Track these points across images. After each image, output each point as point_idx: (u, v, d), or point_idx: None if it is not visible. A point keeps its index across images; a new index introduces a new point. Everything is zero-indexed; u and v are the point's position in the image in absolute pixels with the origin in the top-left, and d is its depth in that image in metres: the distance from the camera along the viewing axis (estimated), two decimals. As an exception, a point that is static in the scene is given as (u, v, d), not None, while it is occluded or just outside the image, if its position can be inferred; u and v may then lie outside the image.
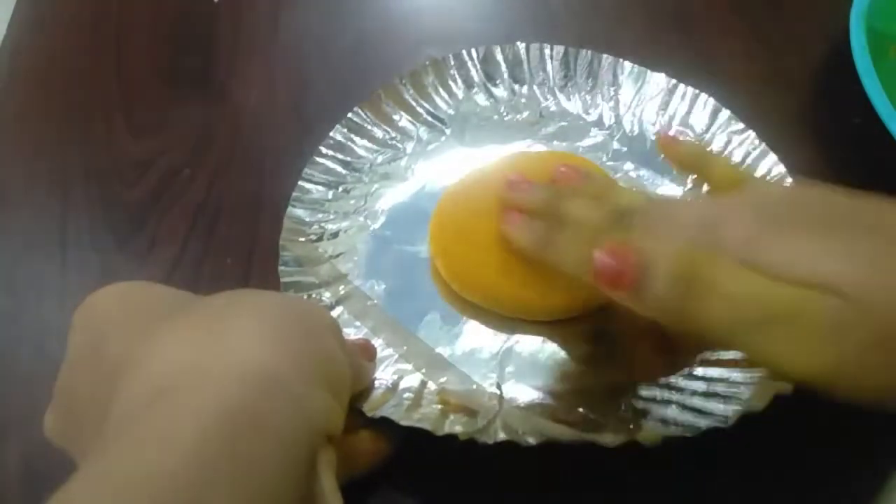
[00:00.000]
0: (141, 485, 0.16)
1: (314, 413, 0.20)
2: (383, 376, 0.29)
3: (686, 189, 0.35)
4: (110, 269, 0.34)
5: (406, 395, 0.29)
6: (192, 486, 0.16)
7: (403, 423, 0.27)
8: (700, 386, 0.29)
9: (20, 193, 0.37)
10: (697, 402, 0.28)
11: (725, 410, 0.27)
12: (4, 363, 0.32)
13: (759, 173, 0.34)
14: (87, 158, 0.38)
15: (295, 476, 0.19)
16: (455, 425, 0.27)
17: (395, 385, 0.29)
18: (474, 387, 0.29)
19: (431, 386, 0.29)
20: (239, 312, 0.21)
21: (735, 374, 0.29)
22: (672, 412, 0.28)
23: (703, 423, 0.27)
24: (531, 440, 0.26)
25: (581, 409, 0.28)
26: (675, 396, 0.28)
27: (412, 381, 0.29)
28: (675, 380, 0.29)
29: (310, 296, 0.31)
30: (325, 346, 0.22)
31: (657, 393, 0.29)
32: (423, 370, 0.30)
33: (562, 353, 0.30)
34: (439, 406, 0.28)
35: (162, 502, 0.16)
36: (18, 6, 0.46)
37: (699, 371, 0.29)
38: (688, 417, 0.27)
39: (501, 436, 0.27)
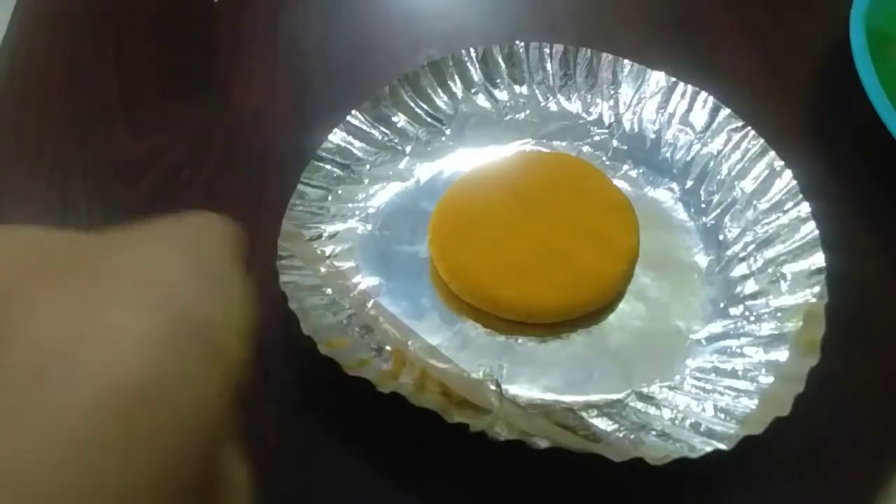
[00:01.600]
0: (11, 477, 0.13)
1: (229, 365, 0.17)
2: (385, 367, 0.29)
3: (687, 187, 0.35)
4: (110, 269, 0.34)
5: (406, 380, 0.28)
6: (73, 476, 0.14)
7: (413, 402, 0.27)
8: (697, 398, 0.29)
9: (20, 193, 0.37)
10: (696, 414, 0.28)
11: (726, 427, 0.27)
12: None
13: (758, 171, 0.34)
14: (87, 158, 0.38)
15: (203, 445, 0.16)
16: (460, 418, 0.27)
17: (395, 375, 0.29)
18: (474, 381, 0.29)
19: (432, 377, 0.29)
20: (135, 256, 0.17)
21: (734, 382, 0.29)
22: (668, 425, 0.28)
23: (705, 441, 0.26)
24: (542, 443, 0.26)
25: (580, 414, 0.28)
26: (671, 413, 0.28)
27: (413, 372, 0.29)
28: (672, 392, 0.29)
29: (309, 295, 0.31)
30: (232, 280, 0.19)
31: (657, 399, 0.29)
32: (424, 363, 0.30)
33: (560, 355, 0.30)
34: (440, 394, 0.28)
35: (36, 496, 0.13)
36: (18, 6, 0.46)
37: (696, 381, 0.29)
38: (687, 432, 0.27)
39: (509, 434, 0.26)
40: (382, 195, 0.36)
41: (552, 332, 0.31)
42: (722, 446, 0.26)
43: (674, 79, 0.38)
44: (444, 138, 0.38)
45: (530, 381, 0.29)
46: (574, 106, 0.39)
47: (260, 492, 0.28)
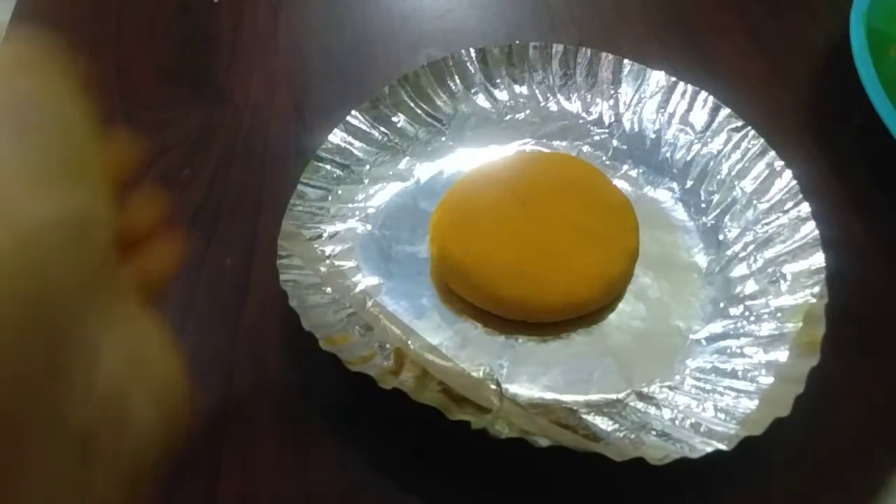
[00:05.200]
0: None
1: (67, 228, 0.14)
2: (386, 364, 0.29)
3: (687, 186, 0.35)
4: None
5: (407, 378, 0.28)
6: None
7: (414, 398, 0.27)
8: (696, 398, 0.29)
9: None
10: (696, 414, 0.28)
11: (726, 427, 0.27)
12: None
13: (758, 171, 0.34)
14: (87, 158, 0.38)
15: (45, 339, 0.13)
16: (462, 416, 0.27)
17: (396, 373, 0.29)
18: (474, 380, 0.29)
19: (433, 376, 0.29)
20: None
21: (734, 382, 0.29)
22: (668, 425, 0.28)
23: (705, 441, 0.26)
24: (542, 442, 0.26)
25: (580, 413, 0.28)
26: (671, 413, 0.28)
27: (414, 370, 0.29)
28: (672, 392, 0.29)
29: (310, 294, 0.31)
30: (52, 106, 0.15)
31: (657, 399, 0.29)
32: (424, 361, 0.30)
33: (560, 355, 0.30)
34: (441, 392, 0.28)
35: None
36: (18, 6, 0.46)
37: (696, 382, 0.29)
38: (687, 432, 0.27)
39: (510, 432, 0.26)
40: (382, 195, 0.36)
41: (552, 332, 0.31)
42: (722, 446, 0.26)
43: (674, 78, 0.38)
44: (443, 138, 0.38)
45: (530, 381, 0.29)
46: (574, 106, 0.39)
47: (263, 491, 0.28)
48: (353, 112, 0.37)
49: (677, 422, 0.28)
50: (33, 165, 0.14)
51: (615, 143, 0.37)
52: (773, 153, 0.34)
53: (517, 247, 0.32)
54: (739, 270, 0.32)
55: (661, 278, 0.33)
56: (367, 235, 0.34)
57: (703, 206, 0.35)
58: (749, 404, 0.28)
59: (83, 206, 0.15)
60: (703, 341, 0.30)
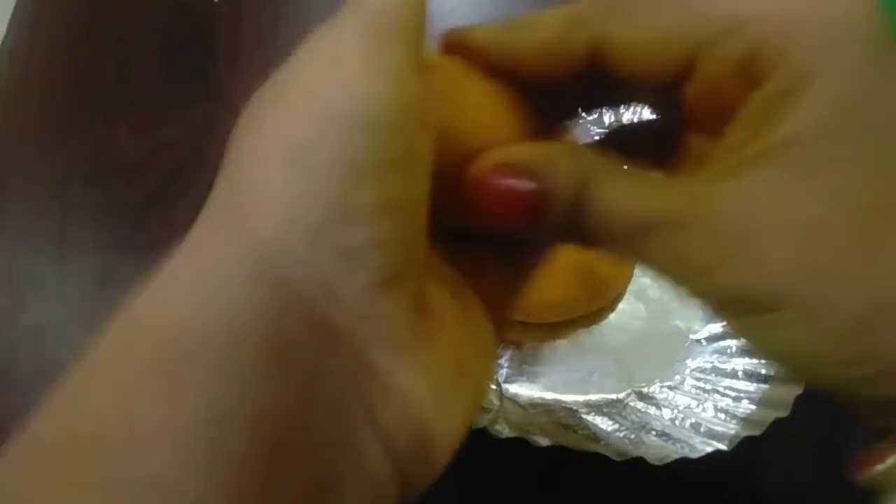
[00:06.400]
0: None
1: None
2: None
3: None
4: (110, 269, 0.34)
5: None
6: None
7: None
8: (696, 398, 0.29)
9: (20, 193, 0.37)
10: (696, 414, 0.28)
11: (726, 427, 0.27)
12: (4, 363, 0.32)
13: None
14: (87, 158, 0.38)
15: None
16: None
17: None
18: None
19: None
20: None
21: (734, 383, 0.29)
22: (668, 425, 0.28)
23: (705, 441, 0.26)
24: (542, 442, 0.26)
25: (580, 413, 0.28)
26: (671, 413, 0.28)
27: None
28: (672, 392, 0.29)
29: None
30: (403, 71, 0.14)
31: (657, 399, 0.29)
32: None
33: (560, 355, 0.30)
34: None
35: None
36: (18, 6, 0.46)
37: (696, 382, 0.29)
38: (687, 432, 0.27)
39: (510, 432, 0.26)
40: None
41: (552, 332, 0.31)
42: (722, 446, 0.26)
43: (674, 78, 0.38)
44: (444, 138, 0.38)
45: (530, 381, 0.29)
46: (574, 106, 0.39)
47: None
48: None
49: (677, 422, 0.28)
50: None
51: (615, 142, 0.37)
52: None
53: (517, 247, 0.32)
54: (739, 270, 0.32)
55: (661, 278, 0.33)
56: (367, 235, 0.34)
57: (703, 205, 0.35)
58: (749, 404, 0.28)
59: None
60: (703, 341, 0.30)
